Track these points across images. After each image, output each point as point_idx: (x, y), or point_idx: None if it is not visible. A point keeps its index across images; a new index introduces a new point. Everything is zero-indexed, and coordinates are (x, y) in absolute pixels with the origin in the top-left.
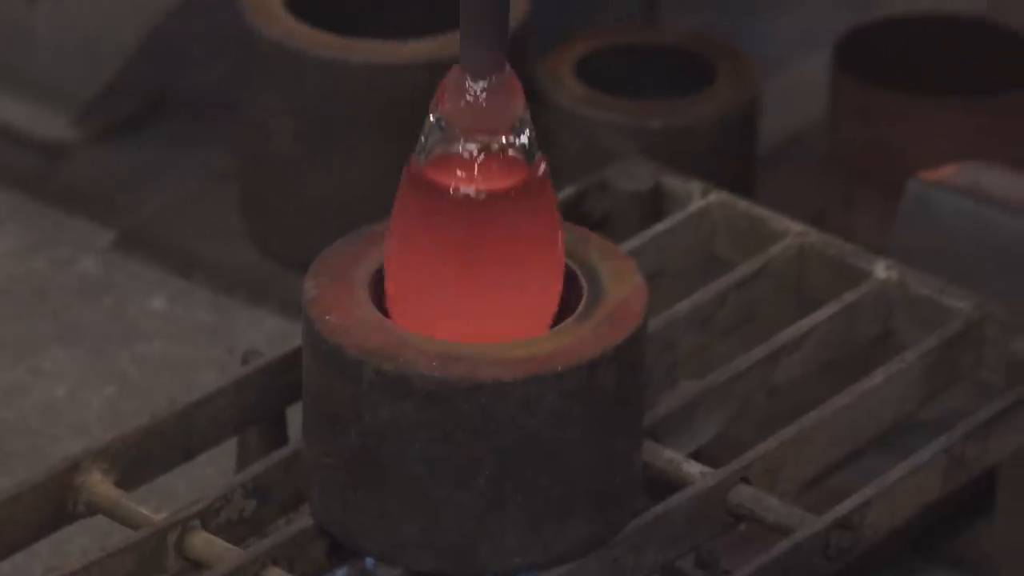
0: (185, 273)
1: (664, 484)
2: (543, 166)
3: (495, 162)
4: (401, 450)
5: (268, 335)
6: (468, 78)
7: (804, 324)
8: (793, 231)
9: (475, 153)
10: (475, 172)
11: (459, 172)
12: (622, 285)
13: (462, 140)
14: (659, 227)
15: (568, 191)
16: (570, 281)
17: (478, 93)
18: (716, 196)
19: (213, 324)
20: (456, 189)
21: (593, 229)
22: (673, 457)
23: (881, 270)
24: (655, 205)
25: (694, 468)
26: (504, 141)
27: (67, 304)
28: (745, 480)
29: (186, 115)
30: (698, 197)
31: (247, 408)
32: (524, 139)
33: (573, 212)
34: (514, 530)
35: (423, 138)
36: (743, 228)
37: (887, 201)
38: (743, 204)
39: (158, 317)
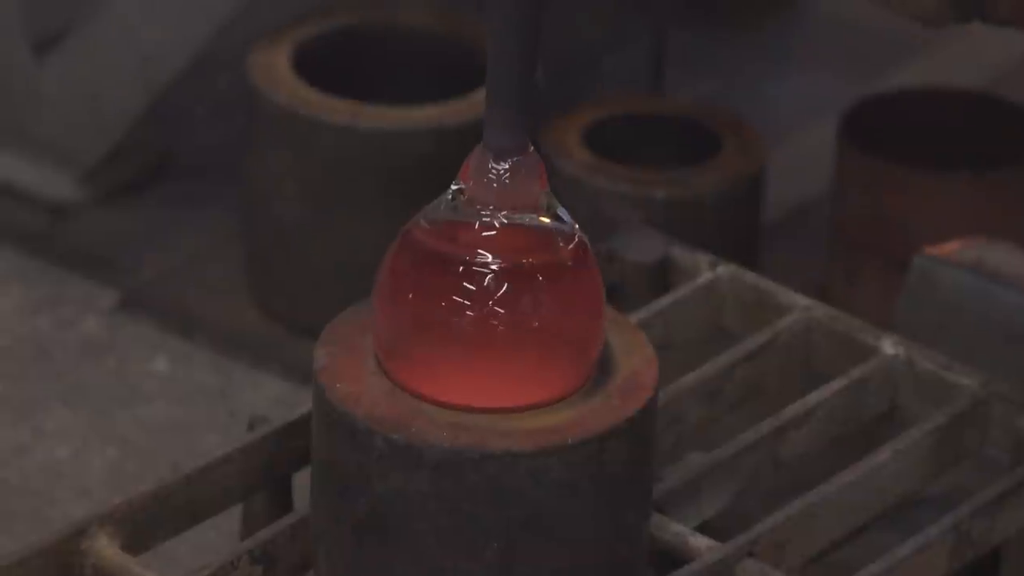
0: (187, 335)
1: (670, 558)
2: (576, 241)
3: (521, 237)
4: (410, 519)
5: (270, 398)
6: (491, 159)
7: (811, 399)
8: (801, 305)
9: (500, 227)
10: (500, 246)
11: (486, 246)
12: (633, 357)
13: (486, 216)
14: (667, 299)
15: None
16: None
17: (501, 173)
18: (724, 268)
19: (215, 386)
20: (480, 263)
21: None
22: (679, 530)
23: (889, 346)
24: (663, 276)
25: (701, 542)
26: (529, 218)
27: (70, 364)
28: (752, 554)
29: (191, 177)
30: (706, 269)
31: (254, 474)
32: (550, 215)
33: None
34: None
35: (440, 206)
36: (751, 301)
37: (890, 274)
38: (751, 277)
39: (160, 378)
